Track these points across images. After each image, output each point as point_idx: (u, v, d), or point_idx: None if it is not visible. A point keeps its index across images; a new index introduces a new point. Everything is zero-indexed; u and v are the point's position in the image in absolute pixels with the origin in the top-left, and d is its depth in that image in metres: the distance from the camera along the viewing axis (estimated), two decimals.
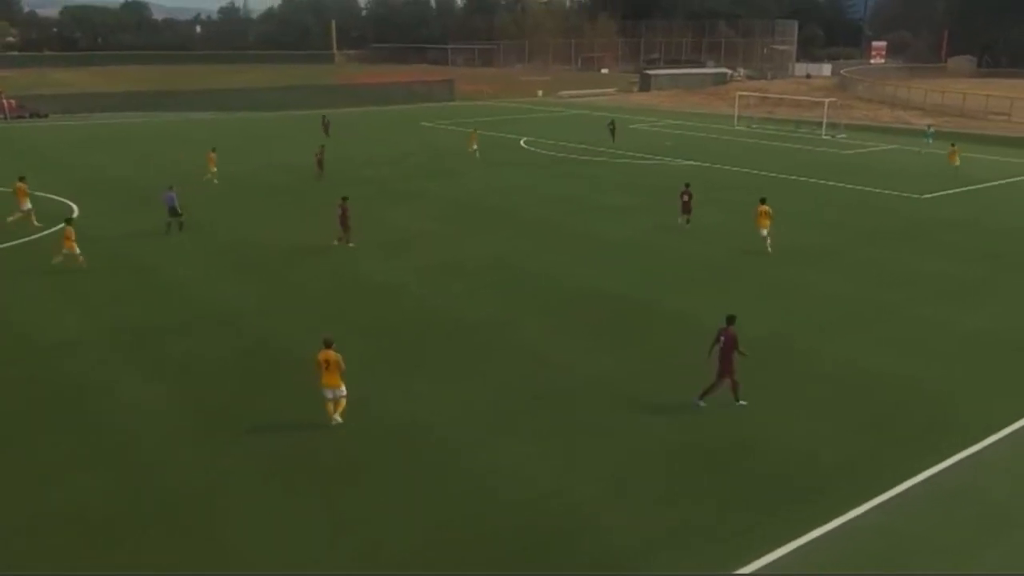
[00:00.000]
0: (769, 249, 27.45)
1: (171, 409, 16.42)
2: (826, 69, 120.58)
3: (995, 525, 12.80)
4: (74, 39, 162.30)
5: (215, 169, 39.99)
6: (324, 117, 59.70)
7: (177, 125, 66.49)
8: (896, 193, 38.39)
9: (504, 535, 12.45)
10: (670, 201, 33.02)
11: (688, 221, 31.13)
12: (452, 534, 12.44)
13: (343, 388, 15.48)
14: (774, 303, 22.81)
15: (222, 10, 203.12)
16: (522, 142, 55.54)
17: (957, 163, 43.77)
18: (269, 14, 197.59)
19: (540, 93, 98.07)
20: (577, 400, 16.84)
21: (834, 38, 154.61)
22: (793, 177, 42.48)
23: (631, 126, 62.09)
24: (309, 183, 40.14)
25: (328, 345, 15.46)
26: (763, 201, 28.11)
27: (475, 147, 48.49)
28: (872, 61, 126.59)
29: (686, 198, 31.24)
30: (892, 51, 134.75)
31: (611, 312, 22.02)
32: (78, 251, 25.50)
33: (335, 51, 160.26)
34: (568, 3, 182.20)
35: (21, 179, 31.13)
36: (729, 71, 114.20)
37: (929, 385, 17.53)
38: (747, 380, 16.96)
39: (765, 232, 27.58)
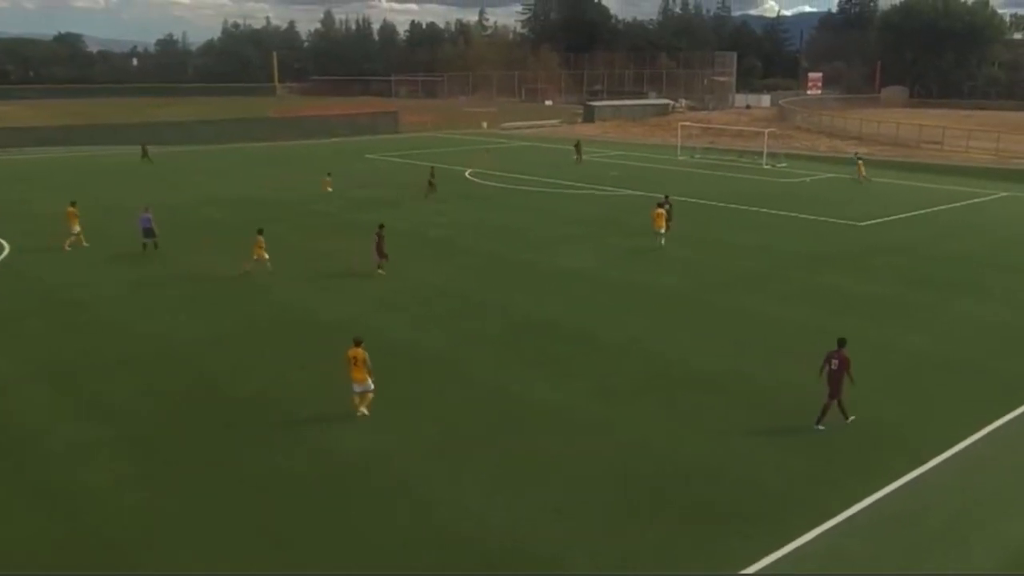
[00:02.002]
0: (663, 243, 32.53)
1: (111, 450, 15.96)
2: (765, 100, 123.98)
3: (939, 547, 13.07)
4: (5, 72, 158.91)
5: (330, 190, 45.60)
6: (143, 145, 63.86)
7: (112, 159, 65.28)
8: (836, 221, 39.38)
9: (455, 568, 12.34)
10: (616, 232, 33.51)
11: (668, 229, 33.84)
12: (403, 569, 12.28)
13: (370, 383, 16.88)
14: (719, 330, 23.16)
15: (159, 42, 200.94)
16: (467, 174, 55.77)
17: (864, 173, 52.33)
18: (208, 46, 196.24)
19: (485, 125, 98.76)
20: (529, 429, 16.85)
21: (772, 69, 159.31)
22: (736, 206, 43.33)
23: (584, 157, 62.80)
24: (246, 216, 39.68)
25: (358, 344, 16.86)
26: (660, 205, 33.59)
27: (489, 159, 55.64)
28: (809, 92, 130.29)
29: (667, 207, 34.29)
30: (828, 82, 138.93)
31: (560, 342, 22.10)
32: (267, 257, 28.23)
33: (276, 84, 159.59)
34: (511, 35, 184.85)
35: (72, 204, 33.08)
36: (671, 102, 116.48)
37: (875, 408, 17.90)
38: (691, 407, 17.19)
39: (662, 231, 32.77)
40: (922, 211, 42.69)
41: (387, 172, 57.33)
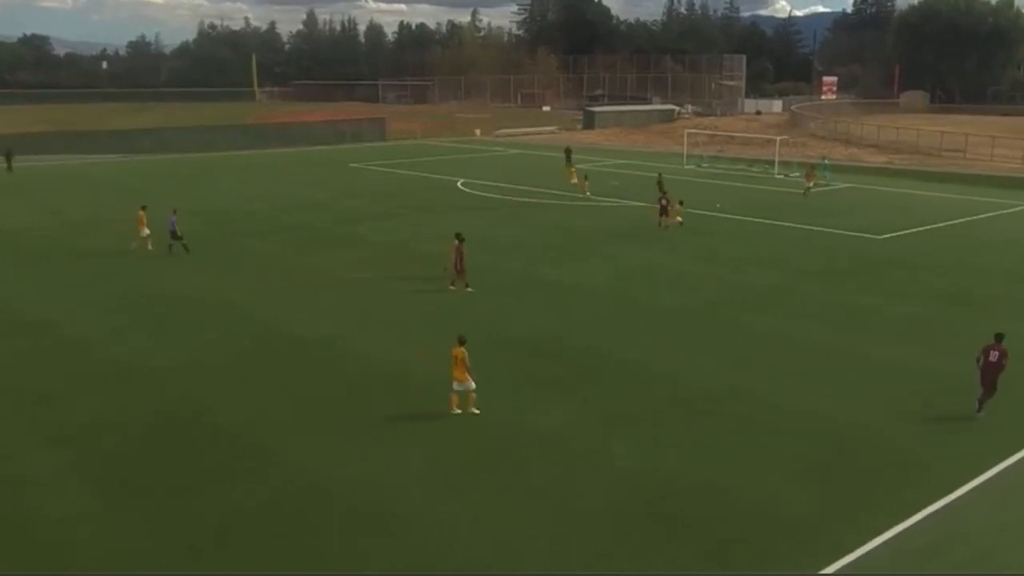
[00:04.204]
0: (671, 224, 38.83)
1: (76, 481, 15.84)
2: (776, 105, 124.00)
3: None
4: None
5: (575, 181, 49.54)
6: (8, 154, 62.09)
7: (81, 168, 65.34)
8: (853, 233, 39.41)
9: None
10: (615, 244, 33.55)
11: (660, 224, 39.10)
12: None
13: (471, 383, 18.29)
14: (727, 349, 23.10)
15: (131, 44, 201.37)
16: (459, 184, 55.87)
17: (811, 185, 51.69)
18: (183, 49, 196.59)
19: (478, 132, 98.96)
20: (522, 455, 16.80)
21: (783, 73, 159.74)
22: (746, 218, 43.38)
23: (576, 166, 62.84)
24: (222, 228, 39.68)
25: (462, 343, 18.33)
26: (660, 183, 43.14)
27: (574, 181, 51.78)
28: (823, 97, 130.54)
29: (664, 202, 39.95)
30: (843, 86, 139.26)
31: (556, 360, 22.11)
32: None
33: (256, 88, 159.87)
34: (506, 37, 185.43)
35: (143, 208, 35.18)
36: (676, 108, 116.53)
37: (896, 434, 17.84)
38: (697, 430, 17.16)
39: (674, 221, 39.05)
40: (944, 223, 42.76)
41: (373, 183, 57.32)
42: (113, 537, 14.02)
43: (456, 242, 27.98)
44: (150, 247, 34.52)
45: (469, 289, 28.18)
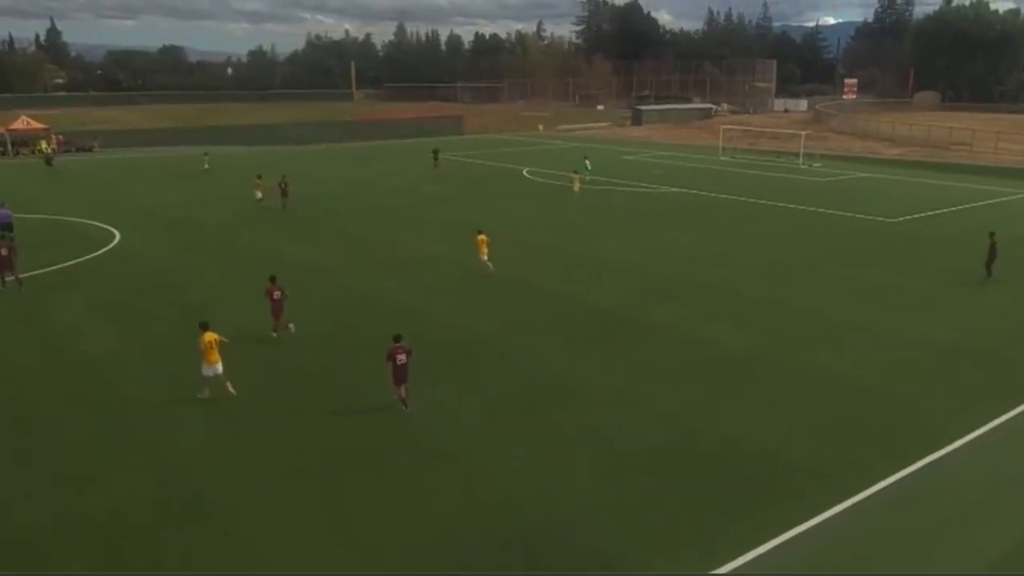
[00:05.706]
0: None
1: (204, 415, 16.42)
2: (803, 104, 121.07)
3: (952, 527, 12.73)
4: (117, 80, 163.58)
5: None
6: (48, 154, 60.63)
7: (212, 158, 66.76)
8: (869, 217, 38.34)
9: (494, 535, 12.31)
10: (658, 225, 33.07)
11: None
12: (445, 533, 12.39)
13: (219, 366, 16.60)
14: (752, 317, 22.77)
15: (251, 53, 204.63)
16: (524, 172, 55.71)
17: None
18: (294, 57, 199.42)
19: (541, 127, 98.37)
20: (567, 403, 16.83)
21: (810, 76, 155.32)
22: (773, 203, 42.46)
23: (625, 157, 62.21)
24: (325, 207, 40.26)
25: (207, 328, 16.79)
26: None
27: (577, 188, 44.20)
28: (845, 97, 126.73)
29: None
30: (863, 87, 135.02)
31: (598, 324, 22.04)
32: (487, 259, 26.85)
33: (354, 90, 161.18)
34: (566, 45, 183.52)
35: (259, 176, 41.22)
36: (714, 106, 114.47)
37: (901, 393, 17.45)
38: (722, 386, 16.98)
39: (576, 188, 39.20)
40: (951, 208, 41.28)
41: (451, 170, 57.45)
42: (239, 465, 14.54)
43: (270, 284, 20.70)
44: (261, 203, 39.54)
45: (274, 334, 20.66)
